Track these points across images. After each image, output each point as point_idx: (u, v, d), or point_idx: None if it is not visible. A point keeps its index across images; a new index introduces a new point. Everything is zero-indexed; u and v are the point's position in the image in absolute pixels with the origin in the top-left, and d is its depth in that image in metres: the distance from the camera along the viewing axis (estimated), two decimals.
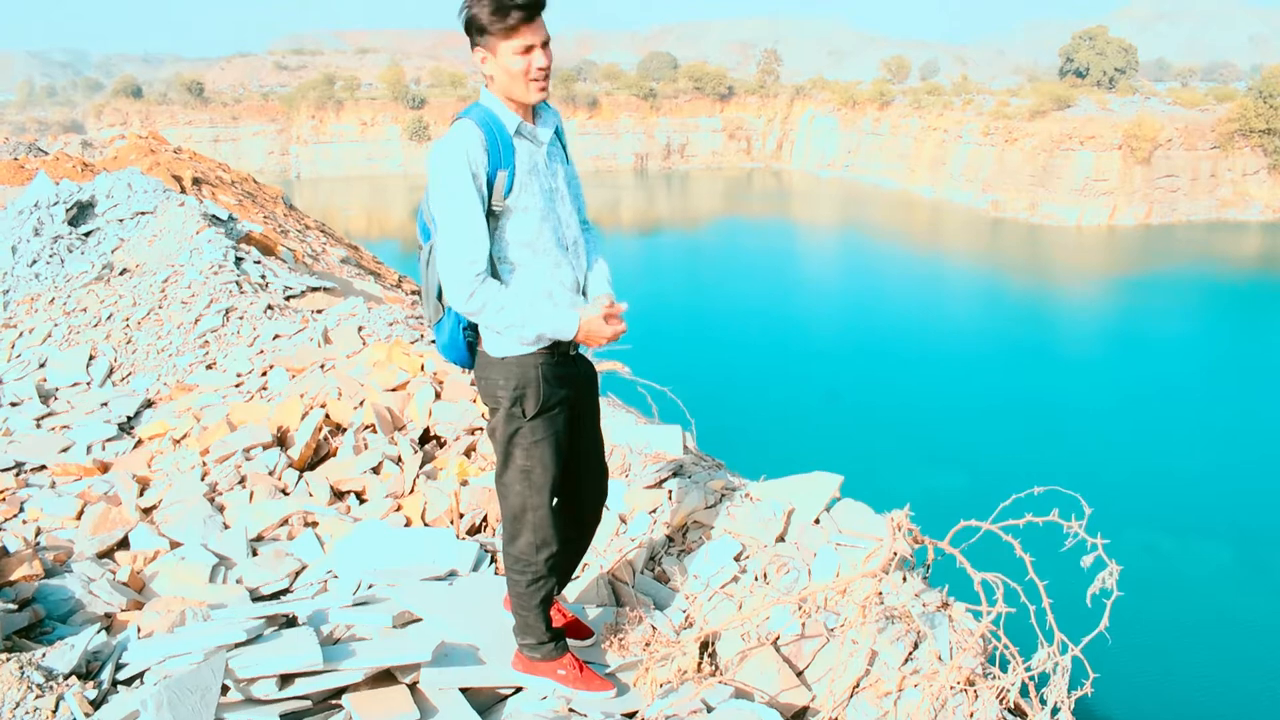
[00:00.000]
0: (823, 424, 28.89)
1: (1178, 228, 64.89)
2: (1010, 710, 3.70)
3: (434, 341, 7.77)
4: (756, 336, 39.15)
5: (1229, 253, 58.79)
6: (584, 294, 3.24)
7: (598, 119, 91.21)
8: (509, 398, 3.07)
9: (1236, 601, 19.81)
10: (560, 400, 3.14)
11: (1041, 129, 70.40)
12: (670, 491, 4.41)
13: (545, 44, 2.88)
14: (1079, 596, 3.21)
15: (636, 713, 3.33)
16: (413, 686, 3.41)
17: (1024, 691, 3.71)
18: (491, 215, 2.96)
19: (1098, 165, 67.50)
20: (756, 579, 3.81)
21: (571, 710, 3.32)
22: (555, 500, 3.27)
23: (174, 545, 5.31)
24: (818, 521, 4.02)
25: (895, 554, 3.68)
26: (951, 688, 3.55)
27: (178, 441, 6.99)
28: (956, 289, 50.31)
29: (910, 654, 3.61)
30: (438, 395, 6.31)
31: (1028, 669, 3.56)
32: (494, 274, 3.04)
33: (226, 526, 5.46)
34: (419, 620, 3.80)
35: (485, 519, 5.09)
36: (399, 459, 5.78)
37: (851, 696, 3.52)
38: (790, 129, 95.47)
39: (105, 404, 8.56)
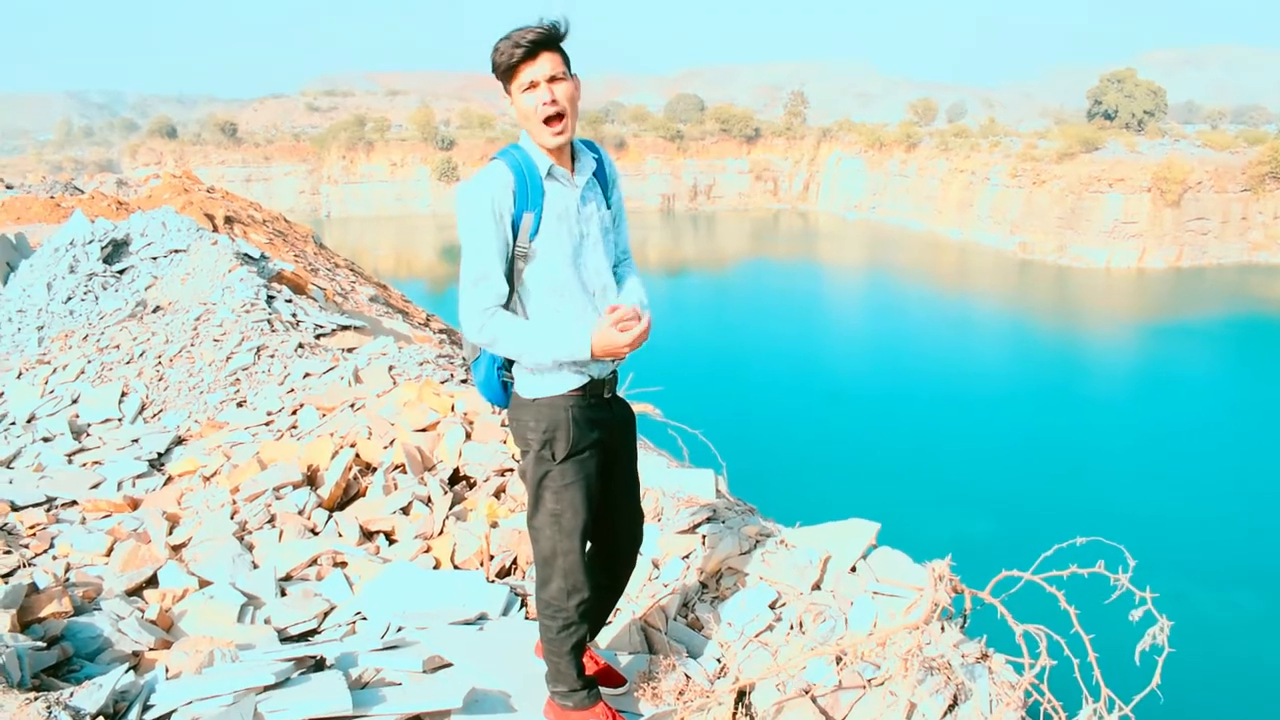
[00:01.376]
0: (852, 468, 28.68)
1: (1208, 270, 64.41)
2: None
3: (463, 381, 7.76)
4: (784, 378, 39.01)
5: (1261, 295, 58.19)
6: None
7: (625, 160, 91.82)
8: (539, 440, 3.04)
9: (1271, 651, 19.38)
10: (592, 444, 3.10)
11: (1070, 171, 70.24)
12: (704, 537, 4.35)
13: (554, 79, 2.85)
14: (1121, 648, 3.13)
15: None
16: None
17: None
18: (517, 258, 2.95)
19: (1127, 208, 67.21)
20: (792, 628, 3.73)
21: None
22: (588, 545, 3.23)
23: (203, 584, 5.29)
24: (854, 569, 3.95)
25: (936, 605, 3.60)
26: None
27: (208, 479, 6.99)
28: (985, 331, 50.02)
29: (950, 707, 3.52)
30: (468, 435, 6.29)
31: None
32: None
33: (255, 565, 5.44)
34: (449, 665, 3.75)
35: (515, 561, 5.04)
36: (429, 500, 5.75)
37: None
38: (817, 170, 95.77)
39: (136, 440, 8.60)
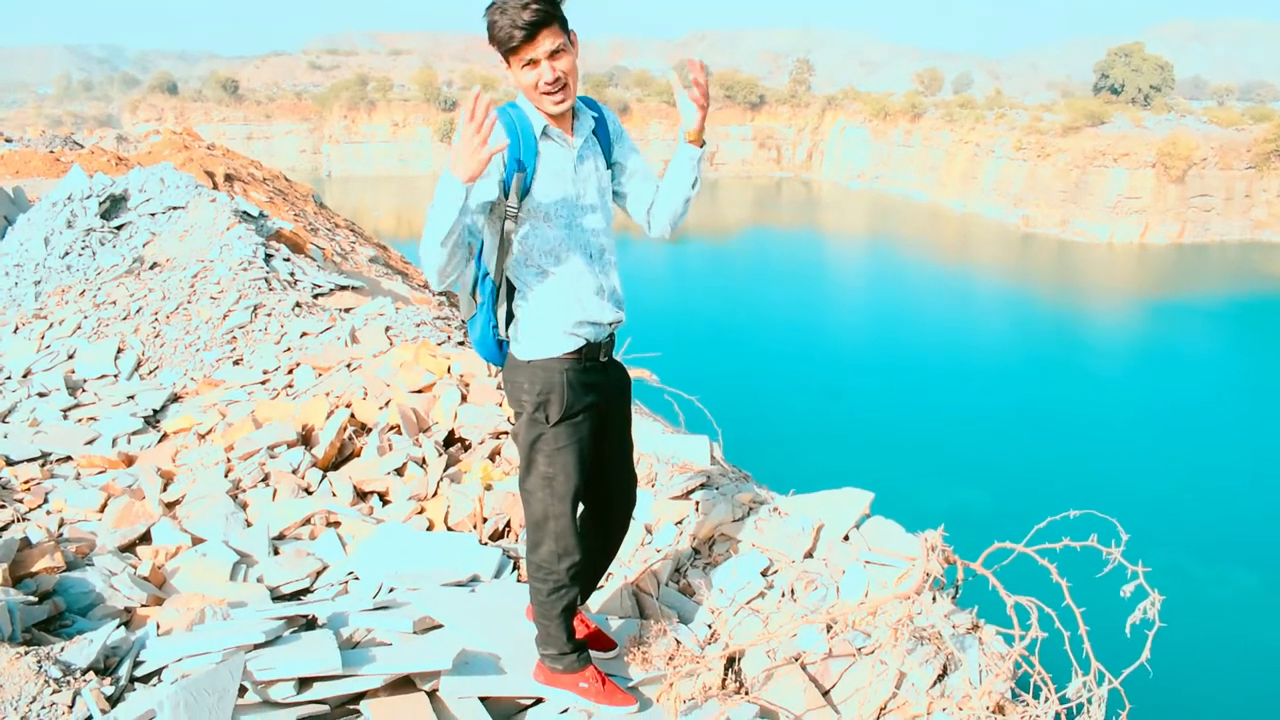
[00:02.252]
0: (850, 437, 28.72)
1: (1211, 247, 64.26)
2: None
3: (460, 343, 7.73)
4: (784, 347, 38.99)
5: (1264, 273, 58.10)
6: (616, 303, 3.18)
7: (628, 125, 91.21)
8: (533, 402, 3.02)
9: (1265, 627, 19.49)
10: (586, 407, 3.08)
11: (1075, 145, 69.87)
12: (697, 503, 4.34)
13: (554, 54, 2.79)
14: (1111, 622, 3.12)
15: None
16: (432, 694, 3.37)
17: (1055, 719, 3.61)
18: (507, 218, 2.91)
19: (1131, 183, 66.93)
20: (784, 595, 3.73)
21: None
22: (579, 508, 3.22)
23: (196, 541, 5.29)
24: (847, 538, 3.94)
25: (928, 575, 3.60)
26: (982, 713, 3.47)
27: (202, 437, 6.98)
28: (986, 304, 49.96)
29: (940, 677, 3.52)
30: (464, 398, 6.27)
31: (1062, 698, 3.47)
32: (517, 281, 3.02)
33: (249, 524, 5.44)
34: (440, 626, 3.75)
35: (509, 524, 5.04)
36: (423, 461, 5.74)
37: (879, 718, 3.44)
38: (821, 139, 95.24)
39: (132, 397, 8.59)
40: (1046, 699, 3.37)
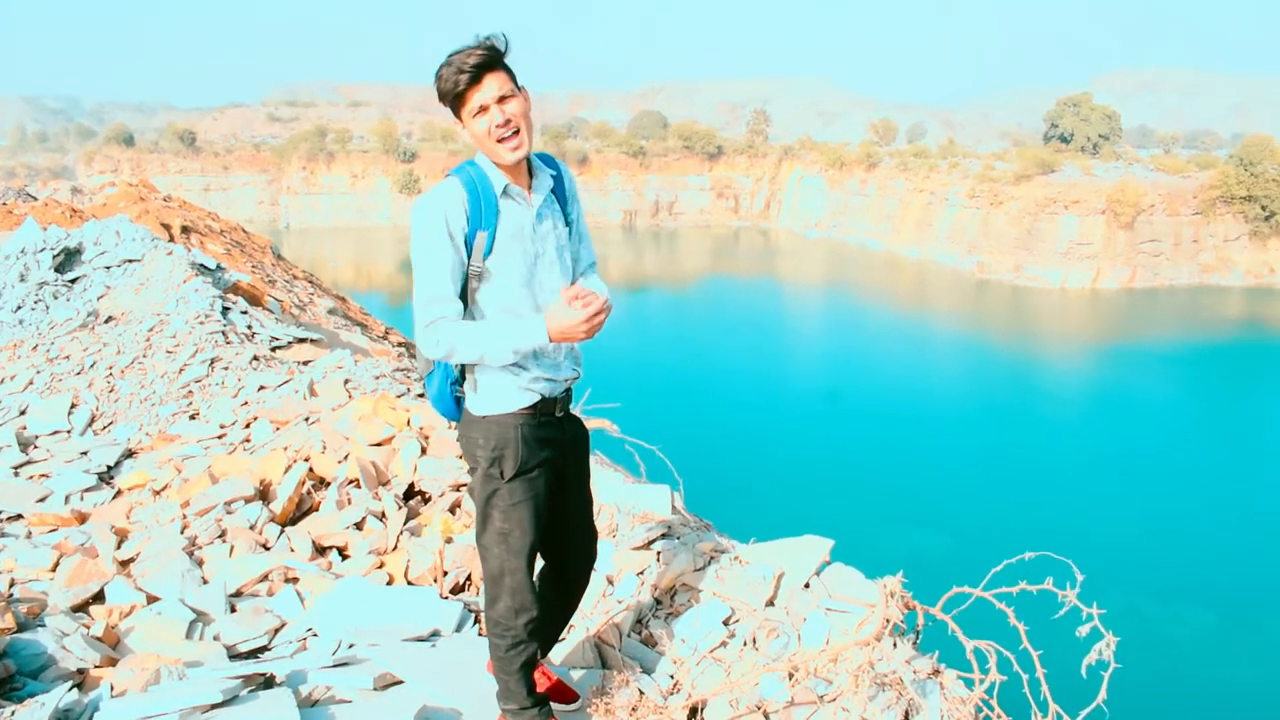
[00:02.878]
0: (810, 484, 28.80)
1: (1161, 291, 65.57)
2: None
3: (420, 395, 7.72)
4: (744, 395, 39.15)
5: (1213, 316, 59.32)
6: (574, 360, 3.21)
7: (588, 176, 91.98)
8: (487, 458, 3.02)
9: (1221, 665, 19.67)
10: (542, 462, 3.08)
11: (1026, 193, 71.29)
12: (658, 553, 4.35)
13: (502, 99, 2.83)
14: (1070, 665, 3.16)
15: None
16: None
17: None
18: (471, 277, 2.94)
19: (1082, 229, 68.31)
20: (745, 644, 3.74)
21: None
22: (538, 563, 3.21)
23: (151, 599, 5.20)
24: (808, 586, 3.96)
25: (887, 621, 3.62)
26: None
27: (158, 493, 6.89)
28: (943, 350, 50.54)
29: None
30: (424, 450, 6.25)
31: None
32: None
33: (205, 581, 5.36)
34: (400, 682, 3.72)
35: (469, 578, 5.01)
36: (383, 515, 5.70)
37: None
38: (778, 189, 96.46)
39: (85, 453, 8.46)
40: None
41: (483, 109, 2.83)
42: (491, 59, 2.80)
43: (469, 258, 2.91)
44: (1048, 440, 35.11)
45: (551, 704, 3.42)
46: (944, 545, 23.58)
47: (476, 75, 2.78)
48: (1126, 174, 72.05)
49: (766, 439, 33.49)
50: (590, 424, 6.10)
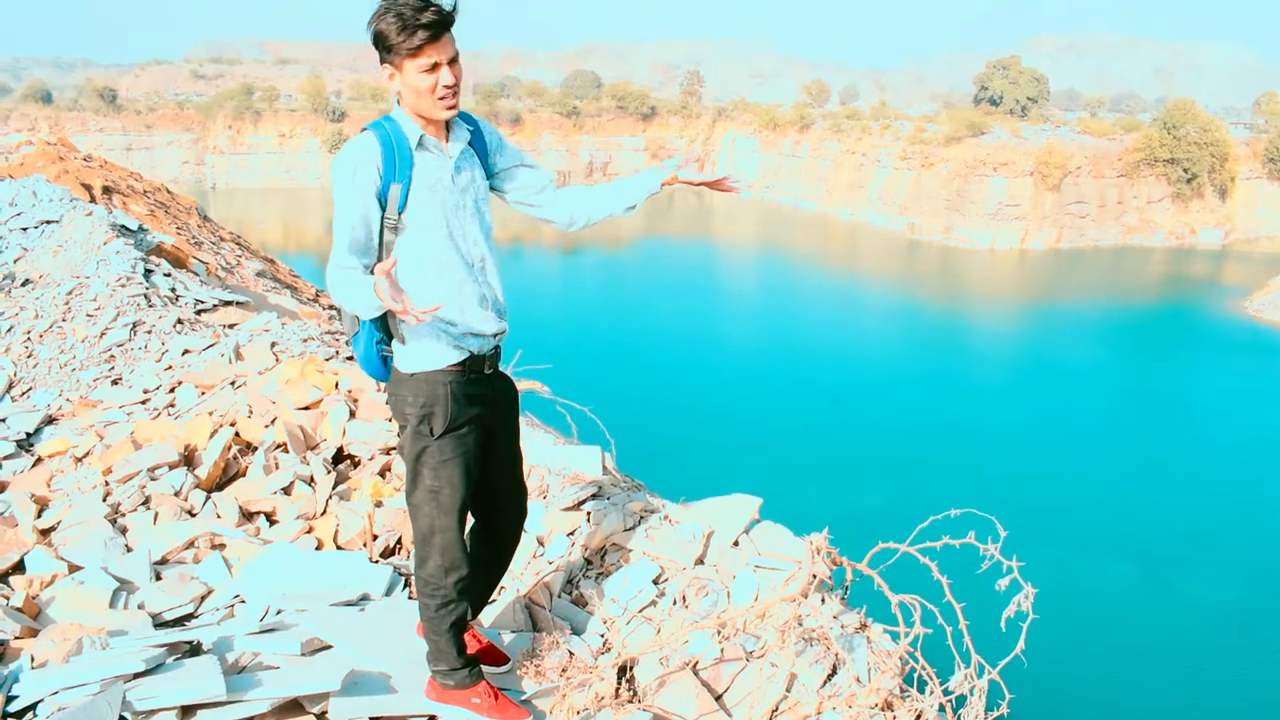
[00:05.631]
0: (743, 445, 29.02)
1: (1086, 252, 66.96)
2: None
3: (349, 358, 7.62)
4: (677, 357, 39.25)
5: (1135, 278, 60.79)
6: (499, 313, 3.19)
7: (520, 136, 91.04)
8: (416, 415, 3.01)
9: (1143, 615, 20.35)
10: (471, 419, 3.07)
11: (956, 155, 72.13)
12: (589, 514, 4.36)
13: (453, 61, 2.85)
14: (997, 617, 3.24)
15: None
16: (321, 716, 3.31)
17: (941, 712, 3.73)
18: (386, 229, 2.91)
19: (1010, 191, 69.39)
20: (675, 602, 3.77)
21: None
22: (468, 522, 3.21)
23: (73, 569, 5.09)
24: (737, 544, 4.00)
25: (814, 577, 3.67)
26: (870, 710, 3.55)
27: (79, 460, 6.72)
28: (874, 311, 51.15)
29: (829, 676, 3.60)
30: (352, 413, 6.17)
31: (945, 691, 3.58)
32: None
33: (129, 549, 5.25)
34: (328, 647, 3.69)
35: (400, 541, 4.97)
36: (311, 479, 5.63)
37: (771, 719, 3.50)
38: (712, 150, 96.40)
39: (3, 420, 8.22)
40: (931, 692, 3.48)
41: (435, 67, 2.81)
42: (449, 18, 2.80)
43: (384, 210, 2.88)
44: (978, 401, 35.77)
45: (482, 666, 3.42)
46: (873, 504, 23.96)
47: (438, 33, 2.77)
48: (1054, 136, 73.25)
49: (699, 400, 33.65)
50: (521, 385, 6.08)
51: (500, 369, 3.30)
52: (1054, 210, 69.51)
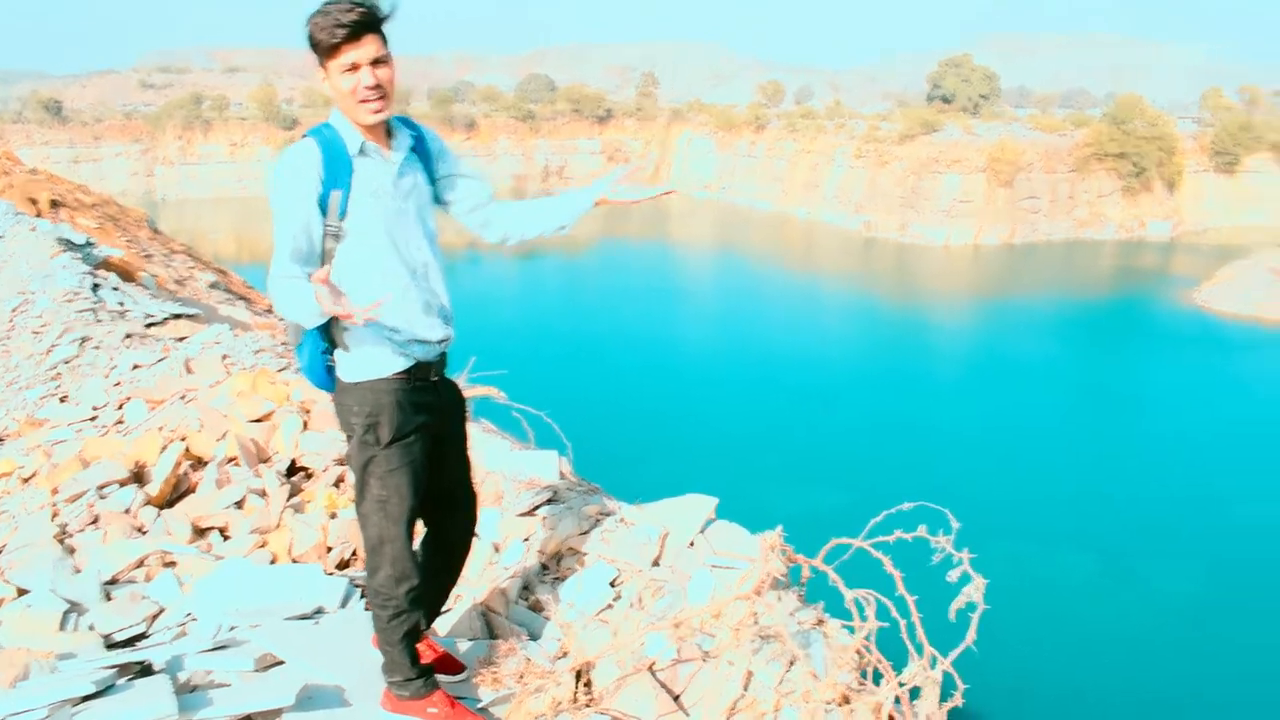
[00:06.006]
0: (702, 446, 29.05)
1: (1039, 247, 67.80)
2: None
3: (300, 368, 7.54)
4: (636, 359, 39.23)
5: (1086, 271, 61.67)
6: (445, 319, 3.17)
7: (476, 141, 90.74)
8: (362, 424, 2.99)
9: (1099, 606, 20.62)
10: (418, 427, 3.05)
11: (910, 152, 72.81)
12: (544, 518, 4.34)
13: (378, 62, 2.81)
14: (952, 609, 3.27)
15: None
16: None
17: (897, 704, 3.75)
18: (328, 237, 2.88)
19: (964, 187, 70.16)
20: (632, 604, 3.77)
21: None
22: (419, 531, 3.19)
23: (20, 592, 4.98)
24: (693, 544, 4.01)
25: (769, 575, 3.68)
26: (827, 705, 3.57)
27: (26, 480, 6.60)
28: (832, 310, 51.47)
29: (786, 673, 3.61)
30: (305, 425, 6.11)
31: (900, 684, 3.61)
32: None
33: (78, 570, 5.15)
34: (282, 662, 3.64)
35: (355, 553, 4.93)
36: (264, 493, 5.56)
37: (729, 719, 3.50)
38: (668, 151, 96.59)
39: None
40: (887, 684, 3.50)
41: (354, 67, 2.79)
42: (372, 19, 2.77)
43: (325, 217, 2.86)
44: (934, 397, 36.05)
45: (438, 676, 3.40)
46: (831, 502, 24.04)
47: (357, 32, 2.74)
48: (1006, 133, 74.12)
49: (658, 402, 33.64)
50: (477, 391, 6.07)
51: (447, 376, 3.28)
52: (1007, 206, 70.35)
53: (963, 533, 3.72)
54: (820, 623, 4.00)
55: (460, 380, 5.96)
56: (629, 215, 80.00)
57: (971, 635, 3.20)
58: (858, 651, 3.90)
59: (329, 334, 3.06)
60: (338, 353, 3.06)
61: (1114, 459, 30.16)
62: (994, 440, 31.32)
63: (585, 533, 4.13)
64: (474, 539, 3.51)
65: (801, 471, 27.26)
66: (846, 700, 3.63)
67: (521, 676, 3.51)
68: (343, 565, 4.90)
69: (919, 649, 3.43)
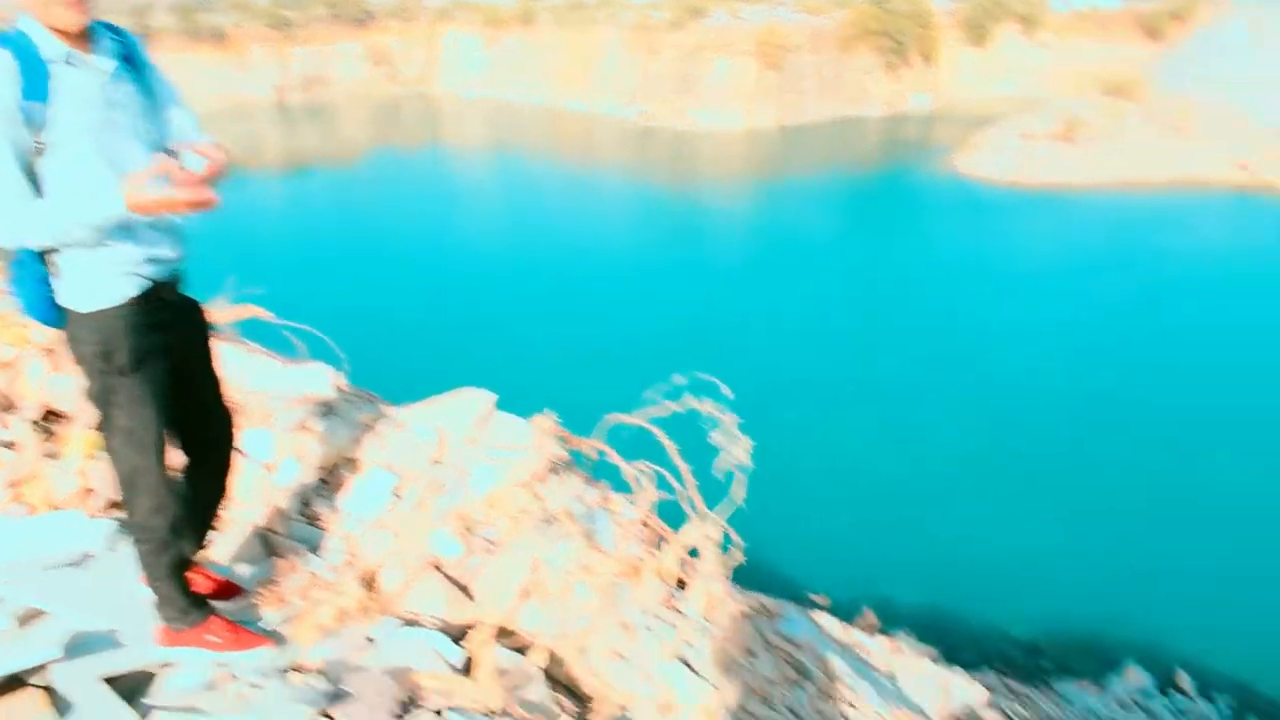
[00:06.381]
0: (483, 346, 28.27)
1: (809, 127, 69.84)
2: (678, 586, 3.89)
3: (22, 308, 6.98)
4: (413, 268, 37.86)
5: (855, 147, 64.16)
6: (175, 237, 2.96)
7: (227, 53, 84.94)
8: (97, 355, 2.78)
9: (880, 462, 21.84)
10: (156, 350, 2.86)
11: (681, 40, 73.09)
12: (318, 433, 4.22)
13: None
14: (717, 467, 3.41)
15: (301, 664, 3.18)
16: (50, 688, 3.09)
17: (687, 567, 3.91)
18: (35, 153, 2.62)
19: (734, 72, 71.18)
20: (414, 507, 3.74)
21: (230, 675, 3.13)
22: (176, 458, 3.04)
23: None
24: (471, 439, 3.99)
25: (547, 459, 3.72)
26: (616, 577, 3.67)
27: None
28: (610, 201, 51.59)
29: (575, 553, 3.68)
30: (53, 367, 5.67)
31: (687, 549, 3.76)
32: None
33: None
34: (44, 614, 3.43)
35: None
36: (12, 443, 5.16)
37: (522, 604, 3.55)
38: (435, 52, 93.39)
39: None
40: (668, 548, 3.63)
41: None
42: None
43: (30, 133, 2.59)
44: (716, 280, 36.72)
45: (219, 603, 3.29)
46: (613, 388, 24.24)
47: None
48: (772, 17, 75.33)
49: (437, 307, 32.65)
50: (242, 312, 5.78)
51: (186, 294, 3.08)
52: (777, 88, 71.93)
53: (745, 405, 3.85)
54: (606, 500, 4.09)
55: (221, 301, 5.69)
56: (400, 120, 77.46)
57: (740, 492, 3.33)
58: (643, 524, 4.03)
59: (46, 264, 2.80)
60: (62, 283, 2.80)
61: (888, 323, 31.68)
62: (774, 317, 32.21)
63: (361, 441, 4.05)
64: (234, 457, 3.36)
65: (585, 361, 27.14)
66: (636, 571, 3.75)
67: (306, 592, 3.44)
68: (108, 507, 4.64)
69: (696, 512, 3.57)
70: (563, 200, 50.44)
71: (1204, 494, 19.51)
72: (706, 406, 3.53)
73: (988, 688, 10.03)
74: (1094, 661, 13.75)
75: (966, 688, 9.49)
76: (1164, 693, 12.30)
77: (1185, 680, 12.55)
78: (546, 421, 3.69)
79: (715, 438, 3.45)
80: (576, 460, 4.12)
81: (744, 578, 4.15)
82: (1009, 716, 9.21)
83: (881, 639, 10.23)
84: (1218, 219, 42.68)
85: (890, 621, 12.96)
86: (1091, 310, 31.65)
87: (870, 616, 12.44)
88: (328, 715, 2.72)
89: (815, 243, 41.83)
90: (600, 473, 4.18)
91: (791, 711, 4.42)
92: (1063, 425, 23.37)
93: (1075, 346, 28.68)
